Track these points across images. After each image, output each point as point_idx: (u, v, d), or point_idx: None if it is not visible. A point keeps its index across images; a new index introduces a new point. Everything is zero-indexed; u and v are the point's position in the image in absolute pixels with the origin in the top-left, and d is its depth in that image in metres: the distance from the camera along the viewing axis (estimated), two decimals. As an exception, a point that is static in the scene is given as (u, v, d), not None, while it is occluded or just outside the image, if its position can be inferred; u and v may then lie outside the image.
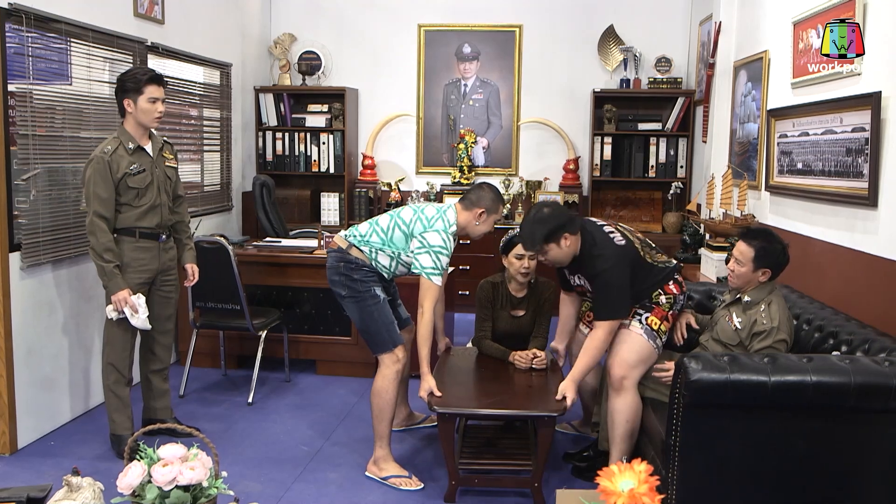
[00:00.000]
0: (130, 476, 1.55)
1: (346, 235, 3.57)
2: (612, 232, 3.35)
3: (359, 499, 3.35)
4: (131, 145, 3.59)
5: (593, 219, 3.52)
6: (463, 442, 3.73)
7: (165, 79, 3.73)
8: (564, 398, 3.25)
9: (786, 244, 3.19)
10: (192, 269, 3.95)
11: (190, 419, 4.11)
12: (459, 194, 6.26)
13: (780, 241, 3.17)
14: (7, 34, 3.55)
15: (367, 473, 3.57)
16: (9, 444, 3.69)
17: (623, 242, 3.30)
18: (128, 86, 3.57)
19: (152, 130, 3.73)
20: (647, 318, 3.32)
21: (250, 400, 4.46)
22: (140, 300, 3.60)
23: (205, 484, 1.57)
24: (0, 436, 3.68)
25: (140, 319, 3.60)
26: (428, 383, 3.37)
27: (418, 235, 3.44)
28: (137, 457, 1.59)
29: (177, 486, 1.54)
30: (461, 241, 3.54)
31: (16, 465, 3.61)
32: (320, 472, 3.59)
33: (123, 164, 3.54)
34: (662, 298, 3.36)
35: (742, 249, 3.17)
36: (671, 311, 3.38)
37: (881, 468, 2.62)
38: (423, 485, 3.47)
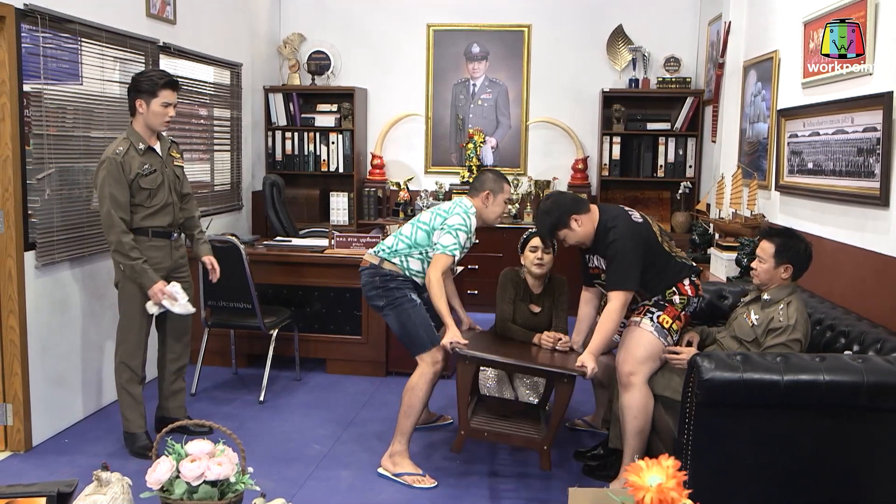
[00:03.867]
0: (159, 471, 1.57)
1: (375, 252, 3.68)
2: (632, 212, 3.43)
3: (371, 497, 3.36)
4: (142, 146, 3.60)
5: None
6: (476, 406, 3.78)
7: (176, 79, 3.75)
8: (584, 367, 3.27)
9: (808, 242, 3.20)
10: (211, 262, 3.95)
11: (201, 418, 4.12)
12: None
13: (802, 240, 3.19)
14: (21, 34, 3.58)
15: (379, 470, 3.58)
16: (23, 441, 3.72)
17: (640, 221, 3.39)
18: (143, 86, 3.58)
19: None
20: (658, 317, 3.34)
21: (261, 398, 4.48)
22: (175, 287, 3.65)
23: (232, 479, 1.59)
24: (15, 433, 3.71)
25: (182, 305, 3.67)
26: (452, 333, 3.44)
27: (440, 226, 3.57)
28: (166, 452, 1.61)
29: (205, 482, 1.57)
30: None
31: (31, 462, 3.64)
32: (332, 471, 3.61)
33: (135, 164, 3.56)
34: (676, 298, 3.38)
35: (764, 247, 3.21)
36: (684, 312, 3.40)
37: (893, 467, 2.62)
38: (436, 483, 3.48)
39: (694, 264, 3.50)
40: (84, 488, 1.57)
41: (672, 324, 3.35)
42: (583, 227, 3.40)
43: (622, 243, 3.28)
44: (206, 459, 1.57)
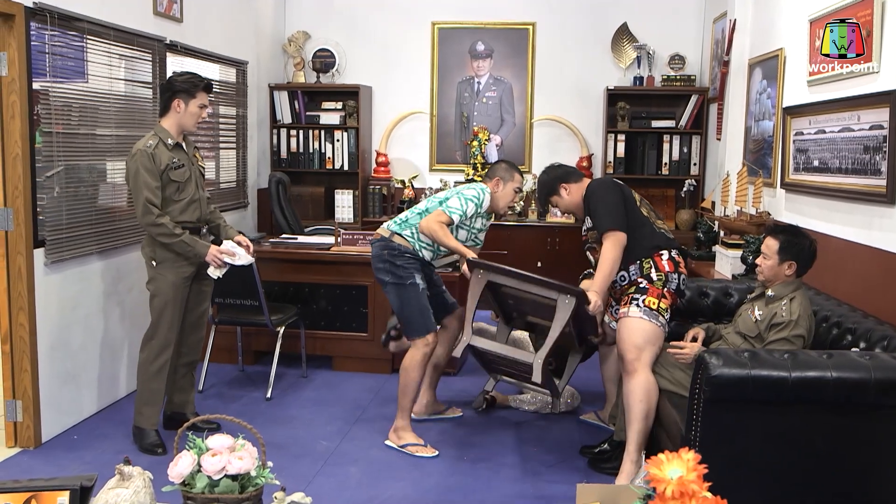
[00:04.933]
0: (181, 465, 1.59)
1: (387, 226, 3.84)
2: (618, 181, 3.64)
3: (380, 492, 3.38)
4: (171, 141, 3.67)
5: None
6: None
7: (212, 82, 3.82)
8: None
9: (813, 240, 3.21)
10: (244, 239, 3.93)
11: (209, 414, 4.14)
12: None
13: (806, 237, 3.21)
14: (30, 32, 3.60)
15: (386, 442, 3.84)
16: (33, 437, 3.74)
17: (621, 183, 3.57)
18: (182, 87, 3.66)
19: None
20: (644, 300, 3.40)
21: (268, 395, 4.50)
22: (228, 244, 3.76)
23: (253, 473, 1.61)
24: (24, 429, 3.73)
25: (243, 257, 3.77)
26: (468, 254, 3.64)
27: (454, 195, 3.79)
28: (187, 446, 1.63)
29: (226, 476, 1.59)
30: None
31: (40, 458, 3.67)
32: (341, 467, 3.63)
33: (165, 158, 3.62)
34: (653, 275, 3.43)
35: (768, 243, 3.23)
36: (666, 289, 3.43)
37: (900, 463, 2.64)
38: (437, 452, 3.74)
39: (675, 241, 3.56)
40: (105, 483, 1.59)
41: (658, 303, 3.40)
42: (571, 195, 3.65)
43: (599, 191, 3.51)
44: (227, 454, 1.59)
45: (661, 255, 3.45)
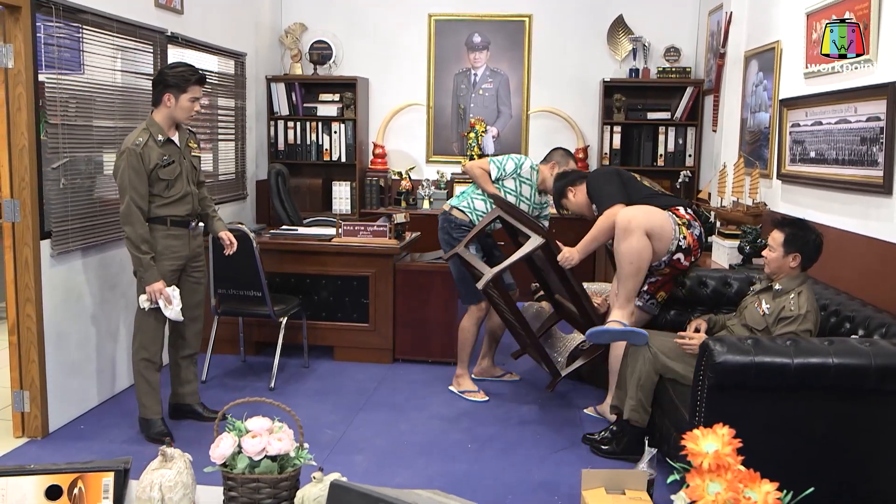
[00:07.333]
0: (223, 447, 1.63)
1: (449, 202, 4.45)
2: (613, 168, 4.06)
3: (386, 480, 3.42)
4: (161, 137, 3.63)
5: None
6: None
7: (204, 74, 3.80)
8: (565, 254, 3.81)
9: (819, 233, 3.27)
10: (228, 236, 3.97)
11: (213, 405, 4.17)
12: (469, 183, 6.36)
13: (812, 230, 3.26)
14: (36, 24, 3.61)
15: (450, 388, 4.51)
16: (41, 427, 3.77)
17: (618, 169, 3.96)
18: (173, 81, 3.60)
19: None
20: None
21: (272, 385, 4.54)
22: (174, 292, 3.66)
23: (292, 454, 1.66)
24: (32, 420, 3.76)
25: (174, 311, 3.66)
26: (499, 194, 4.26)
27: None
28: (227, 429, 1.68)
29: (266, 456, 1.64)
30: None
31: (48, 448, 3.69)
32: (346, 455, 3.68)
33: (154, 155, 3.58)
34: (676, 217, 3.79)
35: (774, 236, 3.29)
36: (689, 231, 3.76)
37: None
38: (488, 398, 4.38)
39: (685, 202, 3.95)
40: (149, 464, 1.64)
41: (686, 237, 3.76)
42: (576, 197, 4.08)
43: (597, 182, 3.93)
44: (267, 435, 1.64)
45: (678, 208, 3.80)
